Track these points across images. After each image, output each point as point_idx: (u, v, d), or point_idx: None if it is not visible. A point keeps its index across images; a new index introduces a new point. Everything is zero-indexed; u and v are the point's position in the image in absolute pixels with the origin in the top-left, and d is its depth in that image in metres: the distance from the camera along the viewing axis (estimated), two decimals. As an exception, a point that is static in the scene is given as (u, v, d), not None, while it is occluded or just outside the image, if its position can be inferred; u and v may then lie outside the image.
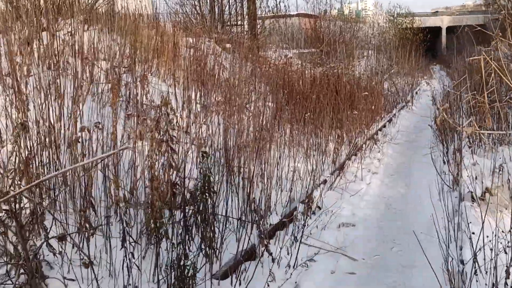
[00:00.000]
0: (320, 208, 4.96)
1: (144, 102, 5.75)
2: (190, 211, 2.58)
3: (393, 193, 5.48)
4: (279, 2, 18.55)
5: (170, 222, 2.56)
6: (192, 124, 6.43)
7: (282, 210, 4.60)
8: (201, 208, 2.60)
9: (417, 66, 18.84)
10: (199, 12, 13.85)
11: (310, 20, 20.44)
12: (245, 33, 15.13)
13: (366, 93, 7.63)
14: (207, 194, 2.57)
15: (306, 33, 20.43)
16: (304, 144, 6.69)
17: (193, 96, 6.90)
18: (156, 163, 2.53)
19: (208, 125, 6.39)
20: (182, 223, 2.47)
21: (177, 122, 5.93)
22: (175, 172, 2.70)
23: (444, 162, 6.11)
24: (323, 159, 6.17)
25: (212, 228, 2.65)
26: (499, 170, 4.72)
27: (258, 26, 15.56)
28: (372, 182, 5.90)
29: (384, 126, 9.25)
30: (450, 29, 35.10)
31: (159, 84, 6.97)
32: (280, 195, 5.02)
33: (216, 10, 14.80)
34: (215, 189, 3.31)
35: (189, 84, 7.18)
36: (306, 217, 4.24)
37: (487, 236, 2.85)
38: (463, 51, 26.89)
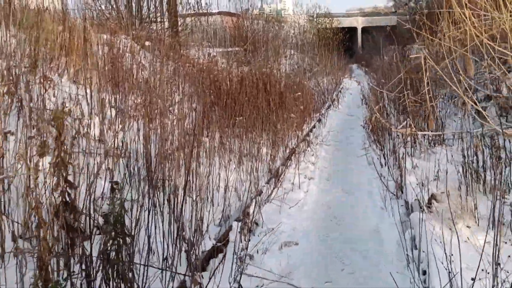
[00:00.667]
0: (257, 225, 4.38)
1: (47, 108, 4.83)
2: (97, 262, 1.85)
3: (333, 201, 5.03)
4: None
5: (68, 280, 1.82)
6: (106, 131, 5.56)
7: (216, 231, 3.94)
8: (112, 257, 1.88)
9: (339, 65, 19.00)
10: (114, 7, 12.73)
11: (232, 19, 19.92)
12: (165, 30, 14.26)
13: (300, 93, 7.20)
14: (120, 239, 1.86)
15: (229, 32, 19.85)
16: (236, 150, 6.09)
17: (107, 99, 6.02)
18: (45, 200, 1.78)
19: (125, 132, 5.58)
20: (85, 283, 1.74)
21: (86, 129, 5.04)
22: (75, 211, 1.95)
23: (381, 165, 5.79)
24: (258, 166, 5.60)
25: (129, 285, 1.94)
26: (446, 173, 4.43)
27: (179, 24, 14.72)
28: (310, 189, 5.42)
29: (314, 126, 8.90)
30: (364, 30, 36.36)
31: (68, 86, 6.00)
32: (212, 211, 4.37)
33: (134, 5, 13.79)
34: (134, 214, 2.61)
35: (103, 85, 6.27)
36: (244, 240, 3.62)
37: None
38: (379, 50, 27.88)
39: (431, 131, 5.57)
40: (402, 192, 4.57)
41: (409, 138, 5.95)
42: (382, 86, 9.66)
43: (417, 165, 5.08)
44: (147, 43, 10.13)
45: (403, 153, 5.40)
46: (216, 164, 5.50)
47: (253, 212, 4.42)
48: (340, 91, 14.79)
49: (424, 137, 5.80)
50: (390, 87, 8.83)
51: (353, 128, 9.29)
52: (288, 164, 5.86)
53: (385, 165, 5.73)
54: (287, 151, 6.49)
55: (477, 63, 7.91)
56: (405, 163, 4.65)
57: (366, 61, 28.92)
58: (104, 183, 4.09)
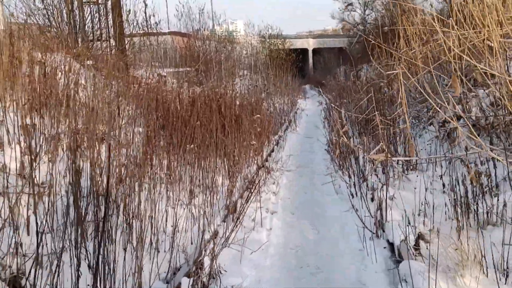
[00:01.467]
0: (214, 278, 3.53)
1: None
2: None
3: (302, 241, 4.25)
4: (149, 17, 16.78)
5: None
6: (31, 163, 4.57)
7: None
8: None
9: (293, 85, 18.58)
10: (53, 24, 11.62)
11: (183, 39, 19.17)
12: (111, 49, 13.28)
13: (258, 115, 6.47)
14: None
15: (180, 52, 19.02)
16: (187, 180, 5.24)
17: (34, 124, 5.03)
18: None
19: (54, 163, 4.61)
20: None
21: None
22: None
23: (352, 195, 5.10)
24: (212, 200, 4.77)
25: None
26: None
27: (126, 42, 13.76)
28: (274, 226, 4.64)
29: (273, 150, 8.18)
30: (315, 51, 36.61)
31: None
32: (157, 260, 3.50)
33: (77, 22, 12.75)
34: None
35: (30, 108, 5.31)
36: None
37: None
38: (330, 71, 27.90)
39: (409, 158, 4.96)
40: (383, 231, 3.87)
41: (379, 164, 5.32)
42: (341, 106, 9.13)
43: (395, 196, 4.43)
44: (89, 62, 9.16)
45: (380, 183, 4.75)
46: (164, 198, 4.64)
47: (208, 261, 3.58)
48: (296, 112, 14.25)
49: (398, 162, 5.19)
50: (352, 108, 8.30)
51: (313, 152, 8.65)
52: (247, 196, 5.05)
53: (356, 195, 5.05)
54: (245, 180, 5.70)
55: (441, 81, 7.52)
56: (386, 196, 3.95)
57: (318, 81, 28.90)
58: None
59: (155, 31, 17.98)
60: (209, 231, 4.12)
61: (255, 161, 6.41)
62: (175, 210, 4.18)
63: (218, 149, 5.87)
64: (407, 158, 5.03)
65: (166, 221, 4.09)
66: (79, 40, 11.88)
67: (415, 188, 4.76)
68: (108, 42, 13.93)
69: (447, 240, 3.53)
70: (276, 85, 16.11)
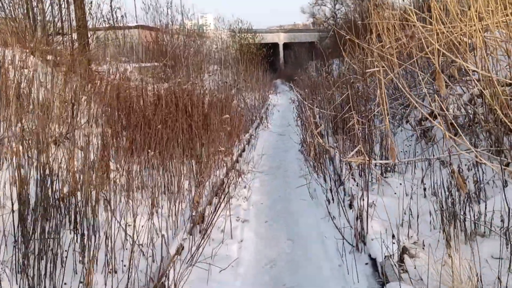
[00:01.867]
0: (178, 304, 3.11)
1: None
2: None
3: (276, 255, 3.87)
4: (115, 10, 15.98)
5: None
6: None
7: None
8: None
9: (264, 80, 18.18)
10: (8, 15, 10.83)
11: (151, 33, 18.47)
12: (72, 43, 12.56)
13: (228, 115, 6.03)
14: None
15: (147, 46, 18.32)
16: (149, 187, 4.78)
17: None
18: None
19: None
20: None
21: None
22: None
23: (328, 201, 4.75)
24: (177, 209, 4.33)
25: None
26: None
27: (89, 36, 13.02)
28: (246, 238, 4.24)
29: (244, 150, 7.77)
30: (286, 45, 36.30)
31: None
32: (112, 284, 3.07)
33: (35, 15, 11.97)
34: None
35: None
36: None
37: None
38: (301, 65, 27.62)
39: (390, 161, 4.64)
40: (364, 244, 3.53)
41: (356, 166, 4.99)
42: (314, 103, 8.79)
43: (375, 203, 4.09)
44: (49, 57, 8.51)
45: (358, 189, 4.41)
46: (123, 209, 4.18)
47: (172, 283, 3.16)
48: (267, 108, 13.87)
49: (376, 165, 4.87)
50: (326, 105, 7.96)
51: (287, 150, 8.29)
52: (216, 206, 4.63)
53: (333, 200, 4.70)
54: (214, 188, 5.28)
55: (415, 77, 7.27)
56: (366, 207, 3.61)
57: (289, 76, 28.58)
58: None
59: (121, 25, 17.26)
60: (172, 247, 3.69)
61: (225, 163, 5.99)
62: (135, 222, 3.72)
63: (184, 152, 5.42)
64: (387, 162, 4.72)
65: (126, 235, 3.64)
66: (38, 33, 11.11)
67: (395, 193, 4.46)
68: (69, 36, 13.22)
69: (434, 253, 3.22)
70: (247, 81, 15.68)
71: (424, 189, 4.37)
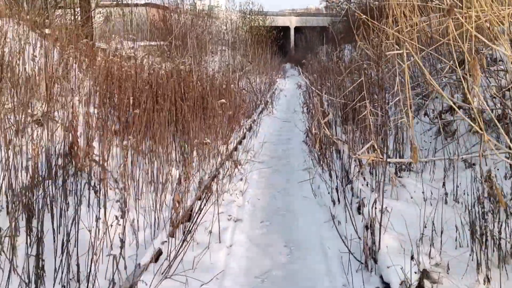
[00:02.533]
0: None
1: None
2: None
3: (270, 266, 3.26)
4: None
5: None
6: None
7: None
8: None
9: (272, 64, 17.44)
10: (4, -16, 10.18)
11: (159, 11, 17.72)
12: (75, 18, 11.91)
13: (223, 100, 5.37)
14: None
15: (154, 25, 17.57)
16: (136, 175, 4.18)
17: None
18: None
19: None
20: None
21: None
22: None
23: (333, 202, 4.12)
24: (160, 201, 3.73)
25: None
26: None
27: (92, 10, 12.33)
28: (236, 241, 3.63)
29: (244, 137, 7.13)
30: (297, 29, 35.27)
31: None
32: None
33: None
34: None
35: None
36: None
37: None
38: (312, 49, 26.72)
39: (409, 160, 3.99)
40: (375, 261, 2.90)
41: (367, 163, 4.34)
42: (323, 90, 8.10)
43: (388, 209, 3.46)
44: (47, 30, 7.89)
45: (369, 190, 3.77)
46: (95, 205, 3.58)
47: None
48: (274, 92, 13.17)
49: (389, 163, 4.22)
50: (335, 91, 7.28)
51: (290, 139, 7.64)
52: (203, 200, 4.02)
53: (339, 202, 4.07)
54: (206, 176, 4.67)
55: (435, 65, 6.57)
56: (380, 217, 2.97)
57: (299, 60, 27.71)
58: None
59: (129, 2, 16.56)
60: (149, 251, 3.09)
61: (220, 153, 5.36)
62: (106, 221, 3.12)
63: (175, 138, 4.81)
64: (407, 161, 4.07)
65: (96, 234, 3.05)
66: (37, 6, 10.43)
67: (411, 197, 3.81)
68: (71, 10, 12.58)
69: (461, 280, 2.59)
70: (254, 63, 14.95)
71: (446, 194, 3.73)
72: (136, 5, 17.22)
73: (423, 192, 3.76)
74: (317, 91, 6.38)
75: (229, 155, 5.67)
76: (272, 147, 7.06)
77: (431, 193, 3.74)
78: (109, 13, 14.26)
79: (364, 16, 7.53)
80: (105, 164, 4.09)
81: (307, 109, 6.86)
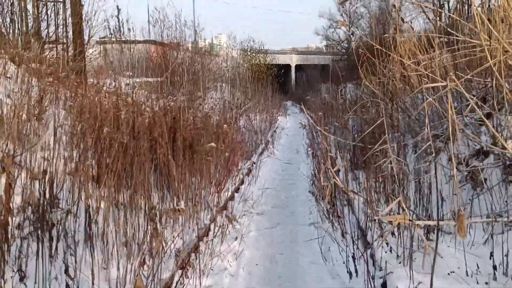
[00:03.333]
0: None
1: None
2: None
3: None
4: (122, 23, 14.77)
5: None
6: None
7: None
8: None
9: (273, 101, 16.86)
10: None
11: (158, 48, 17.32)
12: (66, 52, 11.37)
13: (213, 144, 4.59)
14: None
15: (152, 60, 17.11)
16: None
17: None
18: None
19: None
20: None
21: None
22: None
23: (349, 273, 3.27)
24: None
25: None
26: None
27: (91, 47, 11.80)
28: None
29: (242, 182, 6.33)
30: (298, 67, 35.11)
31: None
32: None
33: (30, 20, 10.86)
34: None
35: None
36: None
37: None
38: (312, 87, 26.31)
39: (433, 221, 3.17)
40: None
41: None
42: (328, 128, 7.37)
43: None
44: (33, 65, 7.25)
45: (396, 261, 2.93)
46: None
47: None
48: (275, 131, 12.47)
49: (418, 225, 3.39)
50: (342, 132, 6.55)
51: (294, 183, 6.84)
52: (188, 262, 3.17)
53: (356, 274, 3.22)
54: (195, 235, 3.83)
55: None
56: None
57: (300, 98, 27.26)
58: None
59: (128, 38, 16.11)
60: None
61: (210, 206, 4.54)
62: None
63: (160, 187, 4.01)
64: (444, 223, 3.25)
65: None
66: (23, 39, 9.85)
67: (452, 272, 2.97)
68: (65, 45, 12.06)
69: None
70: (254, 100, 14.36)
71: (494, 267, 2.90)
72: (135, 41, 16.83)
73: (466, 265, 2.92)
74: (322, 131, 5.65)
75: (223, 207, 4.85)
76: (274, 193, 6.24)
77: (477, 267, 2.90)
78: (105, 49, 13.81)
79: (368, 53, 7.17)
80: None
81: (312, 152, 6.09)
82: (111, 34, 14.77)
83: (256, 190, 6.12)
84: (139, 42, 17.84)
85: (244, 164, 7.27)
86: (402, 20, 12.36)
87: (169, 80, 12.48)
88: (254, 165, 7.46)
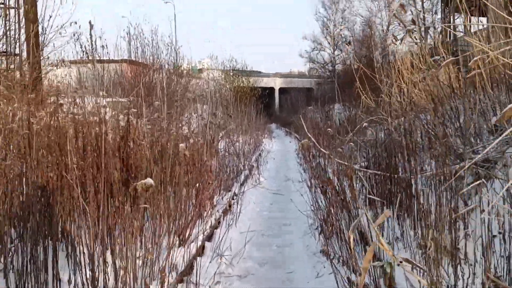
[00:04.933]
0: None
1: None
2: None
3: None
4: (95, 40, 12.96)
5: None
6: None
7: None
8: None
9: (258, 123, 15.20)
10: None
11: (134, 67, 15.61)
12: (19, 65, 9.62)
13: (149, 181, 2.81)
14: None
15: (126, 80, 15.34)
16: None
17: None
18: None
19: None
20: None
21: None
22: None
23: None
24: None
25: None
26: None
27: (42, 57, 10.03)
28: None
29: (217, 225, 4.54)
30: (282, 90, 33.75)
31: None
32: None
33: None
34: None
35: None
36: None
37: None
38: (297, 110, 24.87)
39: None
40: None
41: None
42: (330, 151, 5.66)
43: None
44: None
45: None
46: None
47: None
48: (260, 154, 10.73)
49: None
50: (360, 158, 4.84)
51: (288, 223, 5.08)
52: None
53: None
54: None
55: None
56: None
57: (285, 121, 25.72)
58: None
59: (101, 57, 14.37)
60: None
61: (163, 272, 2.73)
62: None
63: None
64: None
65: None
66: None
67: None
68: (17, 57, 10.35)
69: None
70: (238, 121, 12.66)
71: None
72: (109, 60, 15.10)
73: None
74: (329, 154, 3.94)
75: (188, 270, 3.06)
76: (261, 240, 4.44)
77: None
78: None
79: (368, 71, 7.04)
80: None
81: (311, 178, 4.38)
82: (83, 52, 13.01)
83: (237, 235, 4.33)
84: (114, 61, 16.03)
85: (222, 198, 5.50)
86: (395, 38, 11.17)
87: (142, 100, 10.75)
88: (235, 197, 5.68)
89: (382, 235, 3.20)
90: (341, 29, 29.94)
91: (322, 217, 3.59)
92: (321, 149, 4.53)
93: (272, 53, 62.77)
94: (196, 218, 4.13)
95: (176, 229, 3.38)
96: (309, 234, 4.30)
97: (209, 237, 4.08)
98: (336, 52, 30.49)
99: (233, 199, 5.59)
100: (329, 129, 8.76)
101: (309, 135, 5.80)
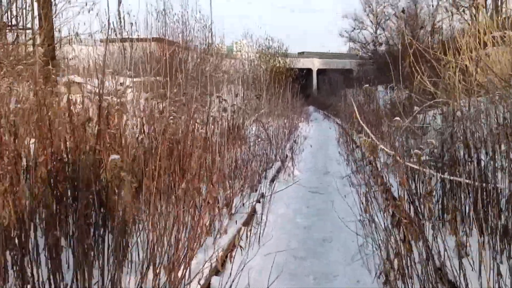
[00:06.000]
0: None
1: None
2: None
3: None
4: (123, 17, 11.94)
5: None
6: None
7: None
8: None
9: (294, 105, 13.85)
10: None
11: (165, 46, 14.56)
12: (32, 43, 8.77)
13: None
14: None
15: (155, 60, 14.28)
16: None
17: None
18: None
19: None
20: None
21: None
22: None
23: None
24: None
25: None
26: None
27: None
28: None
29: (233, 247, 3.33)
30: (320, 71, 32.03)
31: None
32: None
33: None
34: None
35: None
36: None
37: None
38: (335, 92, 23.27)
39: None
40: None
41: None
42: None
43: None
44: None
45: None
46: None
47: None
48: (295, 141, 9.44)
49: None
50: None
51: (327, 240, 3.82)
52: None
53: None
54: None
55: None
56: None
57: (323, 103, 24.21)
58: None
59: (130, 35, 13.37)
60: None
61: None
62: None
63: None
64: None
65: None
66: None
67: None
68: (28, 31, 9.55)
69: None
70: (271, 104, 11.38)
71: None
72: (138, 39, 14.12)
73: None
74: (399, 157, 2.63)
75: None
76: (292, 268, 3.21)
77: None
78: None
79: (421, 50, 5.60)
80: None
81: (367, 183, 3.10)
82: (109, 28, 12.04)
83: (259, 259, 3.12)
84: (142, 40, 14.96)
85: (245, 199, 4.28)
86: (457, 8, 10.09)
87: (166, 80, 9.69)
88: (262, 198, 4.46)
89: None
90: (384, 6, 27.76)
91: (385, 254, 2.31)
92: (386, 149, 3.27)
93: (310, 33, 60.17)
94: (205, 234, 2.96)
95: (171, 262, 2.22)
96: (359, 262, 3.04)
97: (228, 255, 2.90)
98: (378, 31, 28.39)
99: (259, 201, 4.38)
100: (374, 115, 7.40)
101: (364, 126, 4.41)
